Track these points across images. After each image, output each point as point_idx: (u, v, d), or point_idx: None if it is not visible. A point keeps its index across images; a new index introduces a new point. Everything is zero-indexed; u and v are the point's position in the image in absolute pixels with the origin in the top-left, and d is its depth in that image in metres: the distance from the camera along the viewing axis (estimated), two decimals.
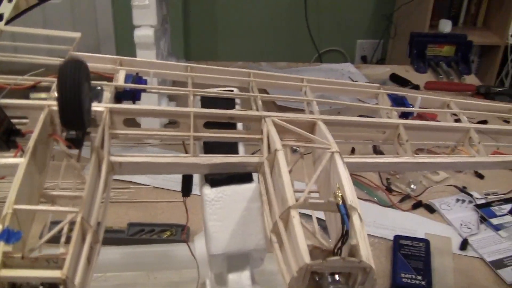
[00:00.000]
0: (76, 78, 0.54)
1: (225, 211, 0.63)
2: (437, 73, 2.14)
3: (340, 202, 0.52)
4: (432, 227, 1.31)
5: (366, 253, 0.51)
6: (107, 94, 0.70)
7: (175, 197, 1.36)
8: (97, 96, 0.69)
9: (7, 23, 0.96)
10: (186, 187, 0.78)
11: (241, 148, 0.72)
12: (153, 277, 1.11)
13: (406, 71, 2.16)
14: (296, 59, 2.68)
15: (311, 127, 0.70)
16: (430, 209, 1.37)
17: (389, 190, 1.41)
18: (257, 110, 0.72)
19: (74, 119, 0.55)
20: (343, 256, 0.50)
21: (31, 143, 0.60)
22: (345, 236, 0.50)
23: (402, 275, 1.13)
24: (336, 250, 0.51)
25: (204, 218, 0.64)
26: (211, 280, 0.73)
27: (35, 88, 0.74)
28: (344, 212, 0.51)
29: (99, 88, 0.70)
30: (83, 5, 2.99)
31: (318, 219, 0.62)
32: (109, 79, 0.77)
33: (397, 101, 0.80)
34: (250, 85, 0.80)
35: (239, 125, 0.72)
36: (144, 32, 1.42)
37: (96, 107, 0.66)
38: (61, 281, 0.46)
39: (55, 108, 0.65)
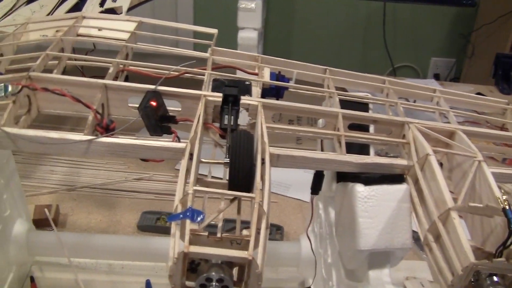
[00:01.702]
0: (248, 149, 0.58)
1: (376, 209, 0.65)
2: None
3: (507, 207, 0.54)
4: None
5: None
6: (257, 90, 0.73)
7: None
8: (247, 90, 0.72)
9: None
10: (317, 186, 0.80)
11: (371, 150, 0.74)
12: None
13: (490, 92, 2.13)
14: (369, 71, 2.67)
15: (449, 135, 0.72)
16: None
17: None
18: (398, 116, 0.74)
19: (244, 184, 0.58)
20: (508, 258, 0.52)
21: (197, 129, 0.63)
22: (509, 239, 0.52)
23: None
24: (497, 253, 0.53)
25: (354, 214, 0.66)
26: (340, 275, 0.75)
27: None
28: (511, 216, 0.53)
29: (247, 83, 0.73)
30: (165, 4, 3.04)
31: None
32: (251, 75, 0.80)
33: None
34: (385, 91, 0.82)
35: (371, 129, 0.75)
36: (248, 34, 1.46)
37: (250, 100, 0.69)
38: (247, 261, 0.49)
39: (210, 98, 0.69)
